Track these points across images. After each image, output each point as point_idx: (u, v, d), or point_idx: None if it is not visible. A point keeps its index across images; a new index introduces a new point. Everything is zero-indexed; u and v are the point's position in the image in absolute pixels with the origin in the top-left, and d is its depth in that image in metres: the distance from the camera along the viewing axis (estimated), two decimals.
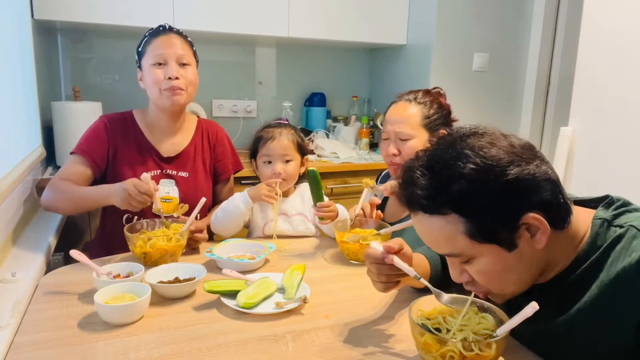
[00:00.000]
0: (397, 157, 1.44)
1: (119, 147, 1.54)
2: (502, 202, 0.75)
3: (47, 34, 2.43)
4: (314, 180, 1.41)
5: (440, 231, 0.79)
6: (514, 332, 0.82)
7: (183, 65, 1.50)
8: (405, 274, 0.94)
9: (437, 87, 1.53)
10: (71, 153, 1.52)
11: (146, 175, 1.31)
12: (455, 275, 0.86)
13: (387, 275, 0.96)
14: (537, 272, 0.83)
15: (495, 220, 0.76)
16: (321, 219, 1.42)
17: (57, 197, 1.44)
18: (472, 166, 0.75)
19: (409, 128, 1.42)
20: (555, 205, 0.78)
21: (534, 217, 0.75)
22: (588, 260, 0.81)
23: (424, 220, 0.81)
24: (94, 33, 2.56)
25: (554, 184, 0.78)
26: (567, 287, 0.83)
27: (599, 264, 0.79)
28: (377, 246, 0.95)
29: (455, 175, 0.75)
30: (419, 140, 1.43)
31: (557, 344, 0.86)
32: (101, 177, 1.54)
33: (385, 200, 1.64)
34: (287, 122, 1.61)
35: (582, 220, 0.83)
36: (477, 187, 0.74)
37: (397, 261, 0.93)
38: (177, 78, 1.47)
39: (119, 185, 1.31)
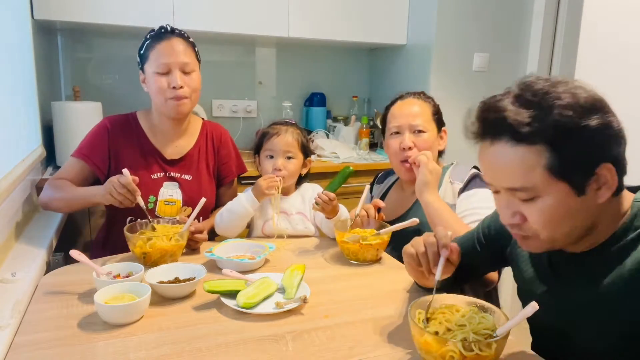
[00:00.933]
0: (412, 151, 1.44)
1: (121, 149, 1.54)
2: (591, 143, 0.76)
3: (47, 34, 2.42)
4: (342, 175, 1.48)
5: (521, 161, 0.78)
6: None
7: (187, 72, 1.49)
8: (430, 272, 0.98)
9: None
10: (72, 156, 1.53)
11: (126, 171, 1.31)
12: (507, 215, 0.85)
13: (424, 258, 0.98)
14: (586, 230, 0.83)
15: (579, 159, 0.77)
16: (317, 203, 1.41)
17: (52, 195, 1.45)
18: (570, 101, 0.76)
19: (424, 121, 1.46)
20: (623, 165, 0.80)
21: (608, 169, 0.77)
22: (624, 238, 0.82)
23: (506, 149, 0.80)
24: (94, 33, 2.56)
25: (625, 146, 0.80)
26: (599, 261, 0.84)
27: (633, 244, 0.81)
28: (448, 233, 0.98)
29: (555, 106, 0.76)
30: (431, 134, 1.47)
31: (579, 319, 0.87)
32: (104, 179, 1.54)
33: (383, 198, 1.65)
34: (294, 122, 1.63)
35: (625, 199, 0.85)
36: (574, 121, 0.75)
37: (442, 260, 0.95)
38: (181, 87, 1.47)
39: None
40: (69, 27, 2.43)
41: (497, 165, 0.83)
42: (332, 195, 1.40)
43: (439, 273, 0.95)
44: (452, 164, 1.52)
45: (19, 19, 1.84)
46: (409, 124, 1.45)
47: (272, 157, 1.54)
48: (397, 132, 1.48)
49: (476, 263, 1.14)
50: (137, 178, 1.32)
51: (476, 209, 1.34)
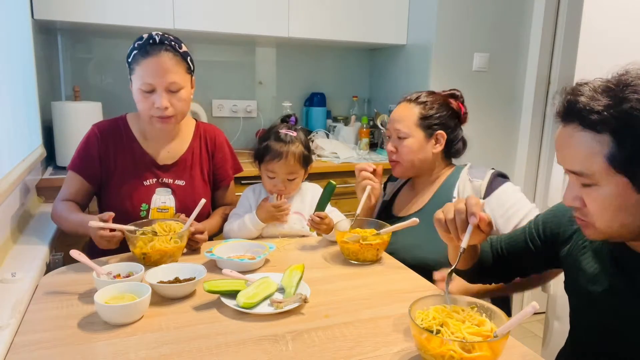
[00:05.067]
0: (395, 155, 1.53)
1: (112, 157, 1.50)
2: None
3: (47, 34, 2.43)
4: (328, 192, 1.49)
5: (584, 146, 0.80)
6: (584, 297, 0.85)
7: (173, 91, 1.41)
8: (458, 239, 0.97)
9: (455, 89, 1.58)
10: (67, 169, 1.52)
11: (92, 223, 1.22)
12: (569, 197, 0.87)
13: (452, 225, 0.97)
14: None
15: None
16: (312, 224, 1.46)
17: (57, 220, 1.47)
18: None
19: (405, 127, 1.50)
20: None
21: None
22: None
23: (574, 132, 0.81)
24: (94, 33, 2.56)
25: None
26: None
27: None
28: (480, 202, 0.96)
29: (629, 99, 0.76)
30: (415, 140, 1.50)
31: (627, 323, 0.87)
32: (97, 188, 1.53)
33: (396, 193, 1.66)
34: (296, 132, 1.55)
35: None
36: None
37: (469, 228, 0.94)
38: (166, 108, 1.40)
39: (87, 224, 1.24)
40: (69, 27, 2.43)
41: (563, 146, 0.84)
42: (324, 214, 1.43)
43: (466, 241, 0.94)
44: (466, 165, 1.55)
45: (19, 19, 1.84)
46: (393, 128, 1.53)
47: (273, 177, 1.53)
48: (388, 136, 1.57)
49: (527, 262, 1.12)
50: (111, 214, 1.26)
51: (518, 201, 1.40)
